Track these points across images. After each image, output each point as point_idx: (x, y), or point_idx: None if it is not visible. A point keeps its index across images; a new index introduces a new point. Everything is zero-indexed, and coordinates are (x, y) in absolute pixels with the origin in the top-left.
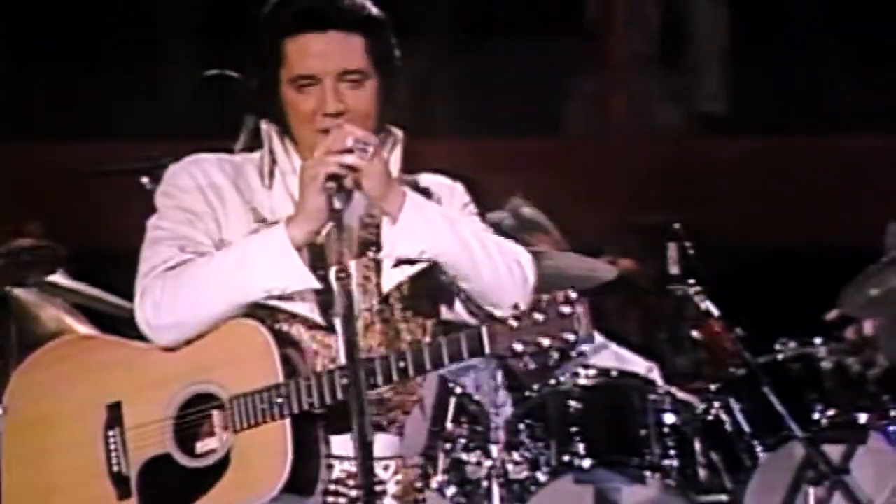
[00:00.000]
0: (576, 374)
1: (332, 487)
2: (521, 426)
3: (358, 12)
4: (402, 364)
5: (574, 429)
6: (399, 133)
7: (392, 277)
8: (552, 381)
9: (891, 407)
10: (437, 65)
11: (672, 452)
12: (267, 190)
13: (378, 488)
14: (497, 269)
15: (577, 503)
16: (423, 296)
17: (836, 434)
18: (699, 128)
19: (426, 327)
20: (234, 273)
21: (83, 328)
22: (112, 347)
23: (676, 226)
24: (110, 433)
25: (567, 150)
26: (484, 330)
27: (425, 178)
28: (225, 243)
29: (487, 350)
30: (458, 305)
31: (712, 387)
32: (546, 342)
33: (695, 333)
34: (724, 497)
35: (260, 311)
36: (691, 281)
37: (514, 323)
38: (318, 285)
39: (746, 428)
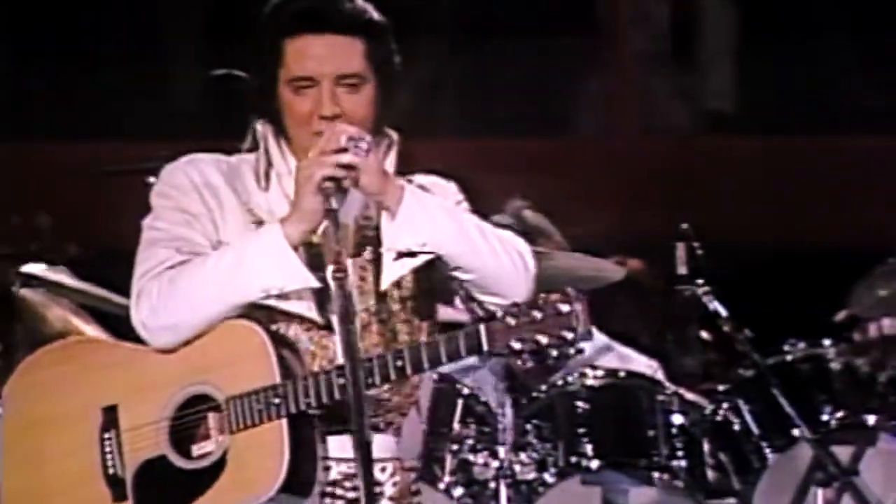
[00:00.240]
0: (583, 375)
1: (329, 489)
2: (529, 427)
3: (358, 16)
4: (399, 363)
5: (582, 430)
6: (394, 135)
7: (392, 272)
8: (560, 382)
9: None
10: (441, 65)
11: (680, 453)
12: (263, 192)
13: (375, 490)
14: (499, 259)
15: None
16: (420, 296)
17: (845, 435)
18: (706, 127)
19: (424, 328)
20: (231, 273)
21: (89, 328)
22: (108, 349)
23: (684, 226)
24: (106, 435)
25: (573, 150)
26: (482, 328)
27: (419, 179)
28: (222, 244)
29: (485, 348)
30: (457, 303)
31: (721, 387)
32: (544, 340)
33: (703, 334)
34: (732, 499)
35: (257, 312)
36: (699, 281)
37: (511, 321)
38: (316, 284)
39: (755, 429)
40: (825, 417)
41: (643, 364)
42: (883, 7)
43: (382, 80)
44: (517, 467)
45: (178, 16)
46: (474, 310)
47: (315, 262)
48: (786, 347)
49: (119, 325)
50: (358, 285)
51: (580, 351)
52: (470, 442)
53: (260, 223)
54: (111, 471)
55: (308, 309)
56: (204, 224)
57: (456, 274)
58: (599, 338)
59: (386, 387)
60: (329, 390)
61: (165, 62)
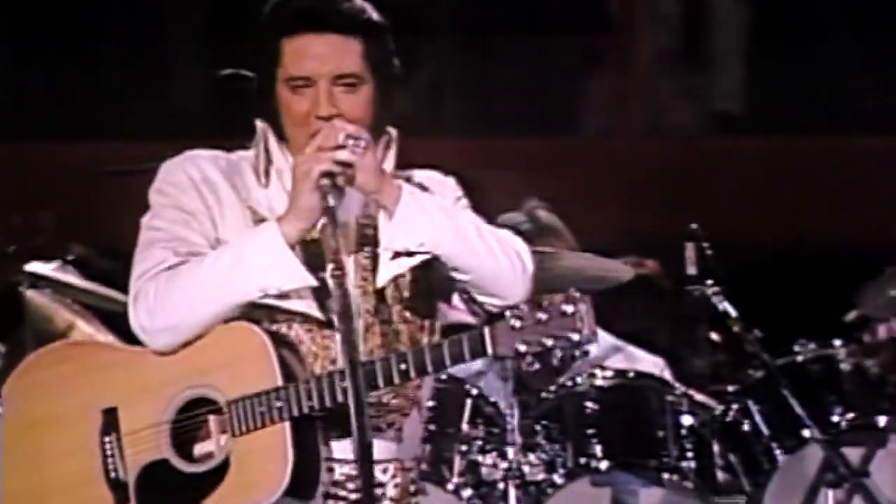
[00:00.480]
0: (592, 376)
1: (333, 490)
2: (538, 428)
3: (357, 16)
4: (403, 366)
5: (591, 430)
6: (393, 132)
7: (388, 271)
8: (568, 383)
9: None
10: (446, 64)
11: (690, 454)
12: (263, 188)
13: (377, 491)
14: (496, 259)
15: None
16: (422, 297)
17: (855, 437)
18: (714, 127)
19: (427, 328)
20: (229, 273)
21: (95, 329)
22: (108, 351)
23: (694, 226)
24: (106, 439)
25: (578, 150)
26: (486, 331)
27: (418, 174)
28: (221, 242)
29: (490, 351)
30: (458, 303)
31: (730, 388)
32: (549, 342)
33: (713, 335)
34: (742, 500)
35: (258, 312)
36: (709, 281)
37: (516, 323)
38: (314, 283)
39: (765, 430)
40: (835, 418)
41: (650, 362)
42: (888, 8)
43: (381, 80)
44: (526, 468)
45: (178, 15)
46: (475, 310)
47: (315, 260)
48: (796, 348)
49: (125, 325)
50: (360, 285)
51: (585, 353)
52: (479, 443)
53: (261, 220)
54: (112, 474)
55: (308, 307)
56: (202, 222)
57: (454, 274)
58: (608, 338)
59: (387, 388)
60: (332, 393)
61: (166, 62)
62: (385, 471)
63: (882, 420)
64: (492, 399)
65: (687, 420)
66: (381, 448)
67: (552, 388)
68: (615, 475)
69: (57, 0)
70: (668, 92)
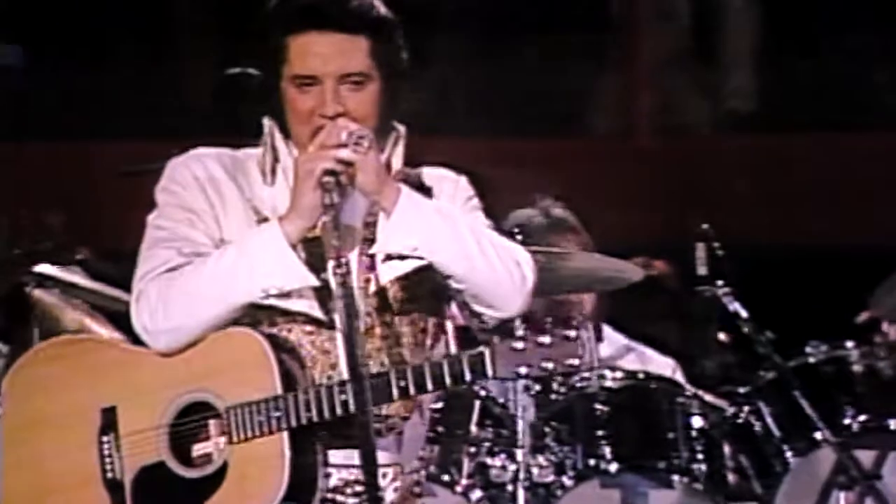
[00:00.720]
0: (602, 377)
1: (330, 496)
2: (547, 429)
3: (364, 14)
4: (402, 383)
5: (600, 432)
6: (402, 129)
7: (386, 273)
8: (578, 384)
9: None
10: (457, 63)
11: (700, 456)
12: (269, 187)
13: (377, 495)
14: (494, 269)
15: None
16: (426, 299)
17: (867, 439)
18: (726, 126)
19: (429, 331)
20: (230, 274)
21: (104, 330)
22: (109, 349)
23: (704, 226)
24: (104, 438)
25: (590, 149)
26: (486, 352)
27: (429, 172)
28: (224, 242)
29: (490, 373)
30: (454, 310)
31: (741, 390)
32: (550, 366)
33: (723, 336)
34: (753, 503)
35: (259, 313)
36: (720, 282)
37: (517, 345)
38: (316, 282)
39: (776, 432)
40: (847, 420)
41: (662, 363)
42: None
43: (388, 78)
44: (535, 470)
45: (183, 14)
46: (471, 320)
47: (317, 259)
48: (807, 349)
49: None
50: (361, 286)
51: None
52: (487, 444)
53: (263, 220)
54: (110, 475)
55: (310, 307)
56: (206, 221)
57: (449, 282)
58: (620, 339)
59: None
60: (331, 406)
61: (175, 60)
62: (384, 475)
63: (894, 422)
64: (501, 400)
65: (697, 422)
66: (380, 452)
67: (561, 389)
68: (625, 477)
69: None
70: (678, 90)
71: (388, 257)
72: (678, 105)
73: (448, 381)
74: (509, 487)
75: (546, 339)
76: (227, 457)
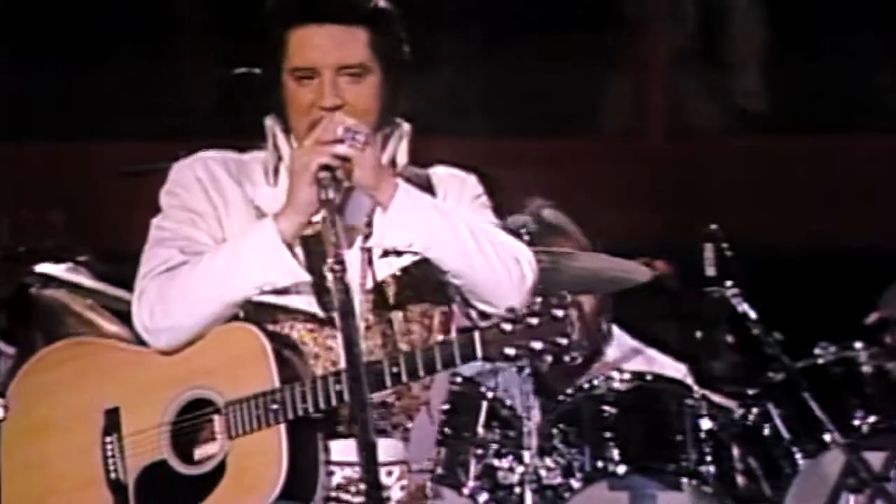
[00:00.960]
0: (610, 379)
1: (334, 494)
2: (555, 431)
3: (362, 5)
4: (395, 370)
5: (608, 434)
6: (406, 126)
7: (383, 269)
8: (586, 386)
9: None
10: (465, 62)
11: (709, 458)
12: (272, 188)
13: (382, 494)
14: (492, 266)
15: None
16: (427, 295)
17: (877, 440)
18: (737, 126)
19: (431, 327)
20: (225, 271)
21: (111, 326)
22: (110, 351)
23: (713, 226)
24: (108, 439)
25: (599, 149)
26: (476, 335)
27: (436, 171)
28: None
29: (479, 355)
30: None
31: (750, 391)
32: (538, 346)
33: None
34: None
35: (259, 312)
36: (728, 283)
37: (507, 327)
38: (307, 278)
39: (785, 434)
40: (857, 422)
41: (672, 368)
42: None
43: (388, 70)
44: (543, 472)
45: (188, 14)
46: (470, 314)
47: (316, 256)
48: (816, 351)
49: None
50: (360, 283)
51: (574, 359)
52: (495, 446)
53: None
54: (113, 475)
55: (308, 304)
56: (209, 223)
57: (447, 278)
58: (627, 340)
59: (390, 390)
60: (326, 396)
61: (177, 60)
62: (390, 473)
63: None
64: (508, 402)
65: (706, 423)
66: (385, 450)
67: (569, 390)
68: (633, 479)
69: None
70: (687, 90)
71: (386, 253)
72: (687, 105)
73: (439, 365)
74: (517, 489)
75: (534, 320)
76: (228, 452)
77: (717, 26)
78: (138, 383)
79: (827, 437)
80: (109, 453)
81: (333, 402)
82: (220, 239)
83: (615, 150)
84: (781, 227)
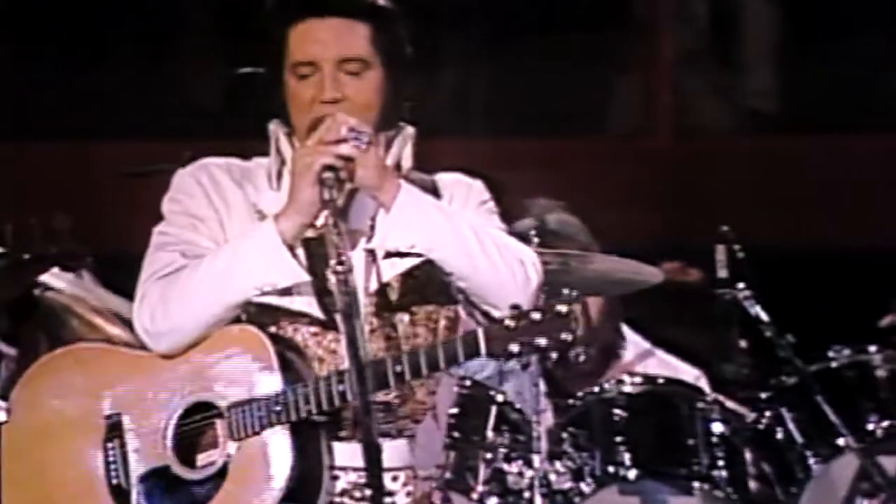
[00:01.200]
0: (621, 382)
1: (339, 500)
2: (565, 435)
3: (364, 0)
4: (398, 368)
5: (619, 438)
6: (410, 129)
7: (387, 271)
8: (596, 389)
9: None
10: (473, 62)
11: (721, 463)
12: (275, 192)
13: (387, 500)
14: (496, 267)
15: None
16: (429, 298)
17: (891, 445)
18: (746, 126)
19: (435, 330)
20: (225, 272)
21: (115, 329)
22: (111, 356)
23: (725, 228)
24: (110, 445)
25: (608, 149)
26: (480, 333)
27: (443, 177)
28: None
29: (483, 352)
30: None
31: (763, 395)
32: (542, 342)
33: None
34: None
35: (262, 314)
36: (740, 285)
37: (511, 323)
38: (308, 278)
39: (798, 438)
40: (871, 426)
41: (685, 373)
42: None
43: (390, 66)
44: (553, 476)
45: (188, 14)
46: (474, 314)
47: (319, 258)
48: (830, 354)
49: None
50: (364, 285)
51: (578, 355)
52: (504, 450)
53: None
54: (115, 481)
55: (309, 305)
56: (211, 227)
57: (450, 279)
58: (640, 343)
59: (395, 393)
60: (329, 397)
61: (182, 60)
62: (395, 479)
63: None
64: (517, 405)
65: (718, 427)
66: (390, 455)
67: (579, 394)
68: (644, 484)
69: None
70: (696, 90)
71: (389, 255)
72: (697, 105)
73: (443, 363)
74: (526, 494)
75: (538, 316)
76: (230, 456)
77: (725, 26)
78: (140, 388)
79: (840, 442)
80: (111, 459)
81: (336, 402)
82: (223, 243)
83: (623, 151)
84: (793, 228)
